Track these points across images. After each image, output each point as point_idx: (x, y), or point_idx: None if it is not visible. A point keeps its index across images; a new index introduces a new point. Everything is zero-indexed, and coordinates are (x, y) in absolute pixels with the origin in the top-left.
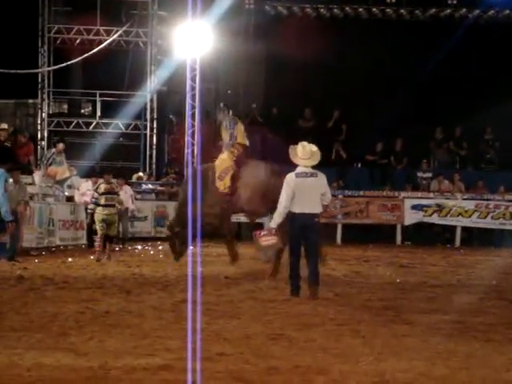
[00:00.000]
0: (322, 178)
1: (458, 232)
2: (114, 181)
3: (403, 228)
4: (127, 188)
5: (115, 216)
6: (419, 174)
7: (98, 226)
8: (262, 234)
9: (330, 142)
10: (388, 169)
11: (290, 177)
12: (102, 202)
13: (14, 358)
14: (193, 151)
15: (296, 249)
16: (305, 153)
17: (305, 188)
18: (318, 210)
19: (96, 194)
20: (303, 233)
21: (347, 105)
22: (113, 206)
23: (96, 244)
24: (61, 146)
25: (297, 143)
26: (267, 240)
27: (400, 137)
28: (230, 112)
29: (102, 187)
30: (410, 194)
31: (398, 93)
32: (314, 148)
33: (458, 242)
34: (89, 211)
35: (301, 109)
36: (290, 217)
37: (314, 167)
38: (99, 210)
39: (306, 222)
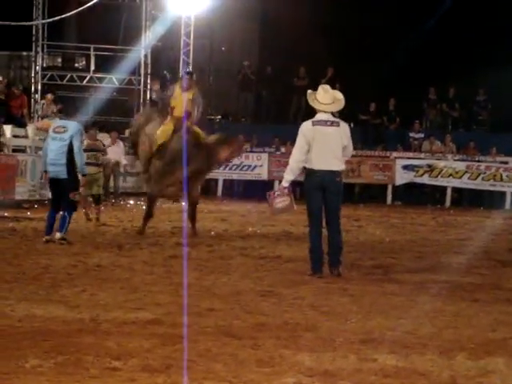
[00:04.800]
0: (344, 128)
1: (449, 193)
2: (100, 137)
3: (394, 188)
4: (120, 142)
5: (98, 174)
6: (411, 135)
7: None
8: (276, 194)
9: None
10: (381, 128)
11: (306, 125)
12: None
13: (6, 309)
14: None
15: (316, 215)
16: (326, 97)
17: (325, 139)
18: (340, 166)
19: None
20: (323, 195)
21: (341, 64)
22: (96, 164)
23: (83, 205)
24: (49, 96)
25: (291, 101)
26: (281, 201)
27: (393, 97)
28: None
29: (85, 143)
30: (402, 154)
31: (392, 53)
32: (338, 94)
33: (448, 203)
34: None
35: (295, 67)
36: (307, 175)
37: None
38: None
39: (326, 181)
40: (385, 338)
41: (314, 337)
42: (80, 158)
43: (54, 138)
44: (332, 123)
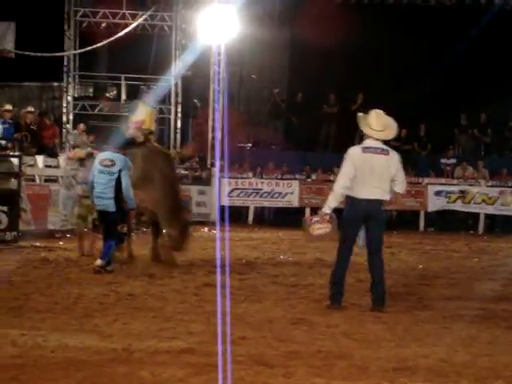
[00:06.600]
0: (394, 157)
1: (482, 219)
2: None
3: (426, 214)
4: None
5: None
6: (443, 161)
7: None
8: (314, 220)
9: (353, 127)
10: (412, 155)
11: (354, 151)
12: (80, 192)
13: (39, 339)
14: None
15: (348, 245)
16: (378, 123)
17: (372, 167)
18: (385, 196)
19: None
20: (364, 225)
21: (371, 90)
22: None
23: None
24: (81, 126)
25: (321, 128)
26: (319, 228)
27: (424, 123)
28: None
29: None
30: (434, 181)
31: (422, 78)
32: (390, 121)
33: (481, 229)
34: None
35: (325, 94)
36: (349, 203)
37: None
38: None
39: (369, 210)
40: (419, 366)
41: (347, 365)
42: (128, 194)
43: (102, 172)
44: (382, 151)
